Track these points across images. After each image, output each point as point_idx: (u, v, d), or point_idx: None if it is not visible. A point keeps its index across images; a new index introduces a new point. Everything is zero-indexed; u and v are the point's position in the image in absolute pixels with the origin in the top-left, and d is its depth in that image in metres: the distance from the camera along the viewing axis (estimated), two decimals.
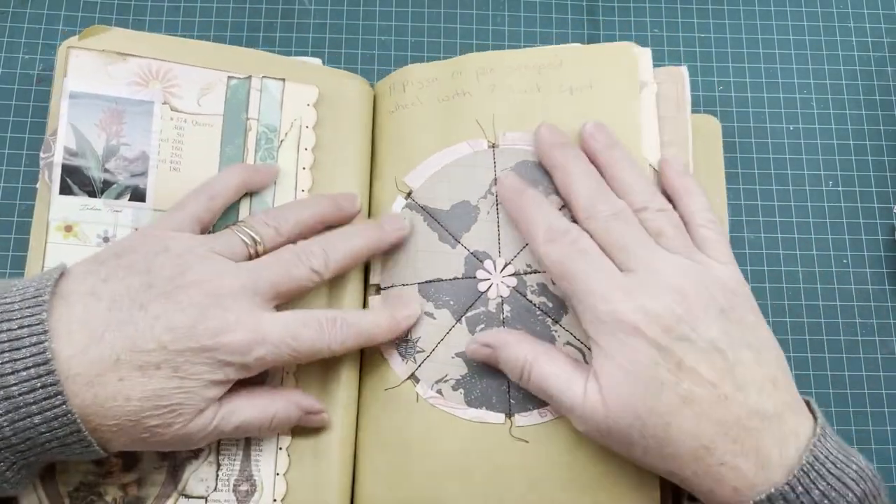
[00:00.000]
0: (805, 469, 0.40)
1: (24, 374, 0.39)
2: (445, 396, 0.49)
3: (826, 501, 0.39)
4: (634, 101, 0.51)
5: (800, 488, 0.40)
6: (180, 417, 0.43)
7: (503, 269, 0.50)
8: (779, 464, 0.40)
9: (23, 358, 0.39)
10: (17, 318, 0.40)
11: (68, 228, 0.50)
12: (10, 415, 0.39)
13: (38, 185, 0.51)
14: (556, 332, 0.48)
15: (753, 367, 0.42)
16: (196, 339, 0.42)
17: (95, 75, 0.51)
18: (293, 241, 0.49)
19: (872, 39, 0.66)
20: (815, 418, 0.43)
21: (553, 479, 0.47)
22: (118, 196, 0.50)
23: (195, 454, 0.48)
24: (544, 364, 0.45)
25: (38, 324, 0.40)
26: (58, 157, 0.50)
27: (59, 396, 0.40)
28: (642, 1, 0.66)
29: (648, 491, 0.47)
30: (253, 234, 0.48)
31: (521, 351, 0.46)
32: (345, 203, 0.52)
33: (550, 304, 0.49)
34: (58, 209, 0.50)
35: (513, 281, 0.50)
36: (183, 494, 0.48)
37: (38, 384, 0.39)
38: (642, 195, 0.47)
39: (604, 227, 0.46)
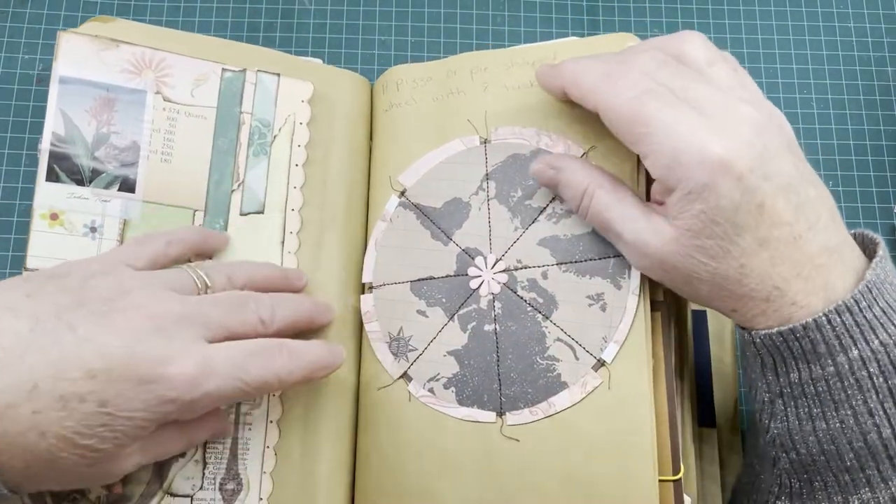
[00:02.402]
0: (868, 286, 0.41)
1: None
2: (437, 395, 0.49)
3: (885, 316, 0.41)
4: None
5: (863, 303, 0.41)
6: (98, 459, 0.38)
7: (494, 265, 0.50)
8: (842, 296, 0.41)
9: None
10: None
11: (54, 217, 0.48)
12: None
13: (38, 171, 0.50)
14: (546, 328, 0.48)
15: (817, 202, 0.42)
16: (133, 368, 0.37)
17: (87, 61, 0.50)
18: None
19: (872, 39, 0.65)
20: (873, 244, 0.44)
21: (545, 478, 0.47)
22: (107, 185, 0.49)
23: (182, 453, 0.48)
24: (607, 193, 0.45)
25: None
26: (45, 143, 0.49)
27: None
28: (642, 1, 0.66)
29: (645, 491, 0.46)
30: (204, 277, 0.45)
31: (584, 176, 0.46)
32: (293, 275, 0.50)
33: (541, 300, 0.49)
34: (43, 196, 0.48)
35: (503, 277, 0.50)
36: (168, 493, 0.48)
37: None
38: None
39: (664, 81, 0.43)
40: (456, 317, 0.50)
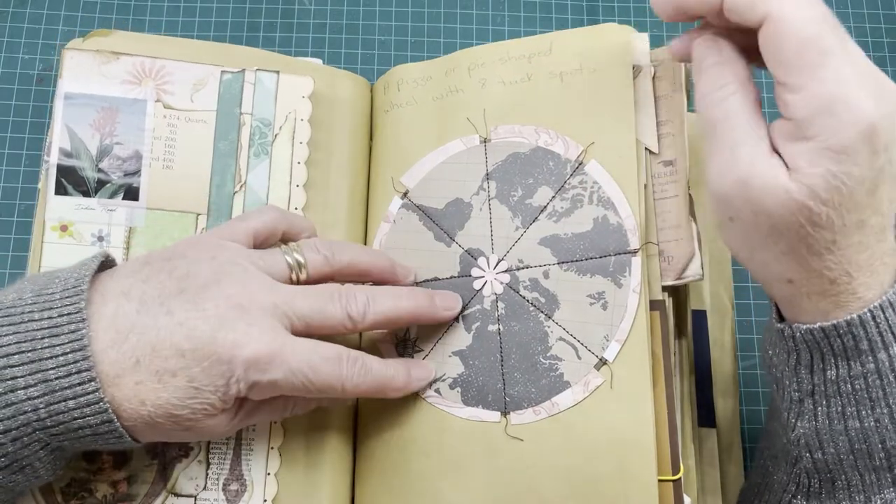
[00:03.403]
0: None
1: (62, 358, 0.40)
2: (443, 395, 0.49)
3: None
4: (627, 83, 0.51)
5: None
6: (194, 423, 0.42)
7: (496, 265, 0.50)
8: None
9: (61, 344, 0.40)
10: (56, 307, 0.41)
11: (64, 228, 0.50)
12: (46, 397, 0.40)
13: (39, 186, 0.51)
14: (548, 327, 0.48)
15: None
16: (214, 348, 0.41)
17: (90, 76, 0.51)
18: (339, 279, 0.48)
19: (872, 39, 0.65)
20: None
21: (547, 477, 0.47)
22: (112, 195, 0.51)
23: (185, 453, 0.48)
24: (742, 97, 0.41)
25: (76, 312, 0.40)
26: (53, 158, 0.50)
27: (93, 383, 0.40)
28: (642, 1, 0.66)
29: (645, 490, 0.46)
30: (299, 258, 0.47)
31: (731, 70, 0.42)
32: (401, 271, 0.50)
33: (543, 300, 0.49)
34: (53, 209, 0.50)
35: (506, 277, 0.50)
36: (172, 493, 0.48)
37: (74, 369, 0.40)
38: None
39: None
40: (460, 317, 0.50)
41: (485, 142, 0.52)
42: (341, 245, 0.49)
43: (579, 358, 0.47)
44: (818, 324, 0.41)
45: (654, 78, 0.51)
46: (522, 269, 0.50)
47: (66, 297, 0.41)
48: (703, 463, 0.54)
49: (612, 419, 0.46)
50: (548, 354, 0.48)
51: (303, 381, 0.43)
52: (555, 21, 0.66)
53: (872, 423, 0.41)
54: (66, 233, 0.50)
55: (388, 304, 0.47)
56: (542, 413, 0.48)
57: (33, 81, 0.64)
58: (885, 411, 0.40)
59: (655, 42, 0.52)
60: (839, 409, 0.42)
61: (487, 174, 0.51)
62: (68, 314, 0.40)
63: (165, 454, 0.48)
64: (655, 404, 0.46)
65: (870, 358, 0.40)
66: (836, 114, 0.38)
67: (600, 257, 0.48)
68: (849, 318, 0.40)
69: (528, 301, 0.49)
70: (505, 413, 0.48)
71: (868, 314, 0.40)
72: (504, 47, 0.54)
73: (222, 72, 0.53)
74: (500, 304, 0.49)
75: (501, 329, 0.49)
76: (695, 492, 0.48)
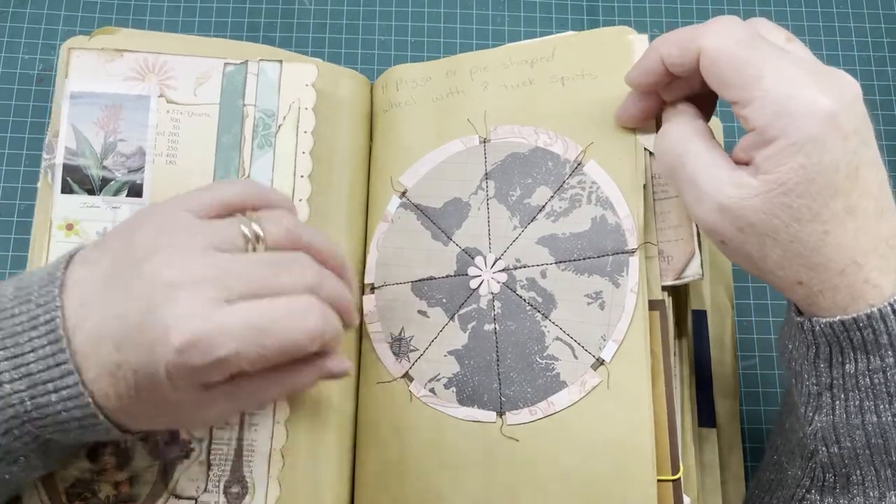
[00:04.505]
0: None
1: (41, 351, 0.39)
2: (438, 395, 0.49)
3: None
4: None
5: None
6: (171, 412, 0.41)
7: (493, 264, 0.50)
8: None
9: (39, 336, 0.39)
10: (34, 298, 0.40)
11: (69, 227, 0.50)
12: (30, 391, 0.39)
13: (38, 185, 0.51)
14: (545, 327, 0.48)
15: (889, 185, 0.42)
16: (144, 336, 0.38)
17: (95, 74, 0.51)
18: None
19: (872, 39, 0.65)
20: None
21: (544, 477, 0.47)
22: (116, 192, 0.51)
23: (186, 454, 0.48)
24: (694, 125, 0.45)
25: (51, 300, 0.39)
26: (59, 158, 0.50)
27: (73, 376, 0.39)
28: (642, 1, 0.66)
29: (644, 490, 0.46)
30: (257, 230, 0.41)
31: (681, 126, 0.45)
32: (350, 272, 0.46)
33: (540, 299, 0.49)
34: (60, 208, 0.50)
35: (503, 276, 0.50)
36: (173, 494, 0.48)
37: (53, 363, 0.39)
38: None
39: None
40: (456, 317, 0.50)
41: (484, 142, 0.52)
42: (304, 225, 0.45)
43: (576, 358, 0.47)
44: (838, 317, 0.40)
45: None
46: (520, 268, 0.49)
47: (42, 287, 0.40)
48: (703, 463, 0.54)
49: (609, 419, 0.46)
50: (544, 354, 0.48)
51: (255, 349, 0.38)
52: (555, 21, 0.66)
53: (890, 418, 0.41)
54: (72, 231, 0.50)
55: (335, 288, 0.43)
56: (538, 413, 0.47)
57: (33, 81, 0.64)
58: None
59: None
60: (857, 402, 0.41)
61: (486, 174, 0.51)
62: (45, 303, 0.40)
63: (166, 454, 0.48)
64: (655, 404, 0.46)
65: (889, 352, 0.40)
66: (789, 112, 0.39)
67: (598, 257, 0.48)
68: (869, 311, 0.40)
69: (524, 300, 0.49)
70: (501, 413, 0.48)
71: (888, 308, 0.40)
72: (507, 52, 0.54)
73: (225, 63, 0.53)
74: (497, 304, 0.49)
75: (498, 328, 0.49)
76: (695, 492, 0.48)
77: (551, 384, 0.47)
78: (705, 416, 0.55)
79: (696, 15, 0.66)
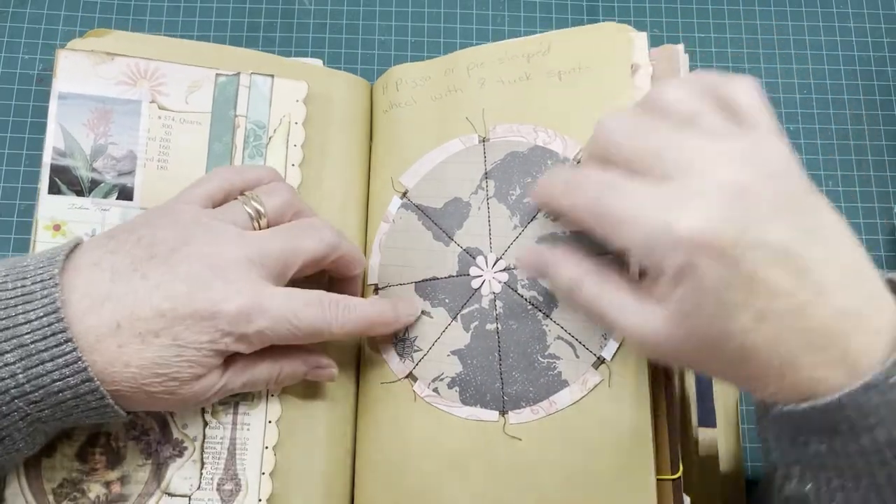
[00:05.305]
0: None
1: (36, 322, 0.40)
2: (441, 395, 0.49)
3: None
4: (626, 81, 0.51)
5: (894, 378, 0.36)
6: (180, 384, 0.43)
7: (494, 264, 0.50)
8: (869, 365, 0.37)
9: (34, 309, 0.40)
10: (30, 276, 0.41)
11: (56, 227, 0.50)
12: (23, 362, 0.40)
13: (38, 186, 0.51)
14: (546, 326, 0.48)
15: (828, 263, 0.37)
16: (194, 306, 0.42)
17: (84, 76, 0.51)
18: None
19: (872, 39, 0.65)
20: None
21: (548, 476, 0.47)
22: (106, 195, 0.51)
23: (179, 452, 0.48)
24: (595, 283, 0.42)
25: (49, 278, 0.41)
26: (46, 158, 0.50)
27: (69, 344, 0.40)
28: (642, 1, 0.66)
29: (644, 489, 0.46)
30: (258, 206, 0.47)
31: (570, 269, 0.43)
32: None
33: (541, 298, 0.49)
34: (46, 208, 0.50)
35: (504, 276, 0.50)
36: (166, 493, 0.48)
37: (49, 332, 0.40)
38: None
39: (626, 149, 0.40)
40: (459, 316, 0.50)
41: (483, 141, 0.52)
42: (297, 194, 0.51)
43: (577, 357, 0.47)
44: (791, 407, 0.38)
45: (652, 76, 0.51)
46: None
47: (40, 267, 0.42)
48: (704, 463, 0.54)
49: (610, 418, 0.46)
50: (546, 353, 0.48)
51: (288, 327, 0.44)
52: (555, 21, 0.66)
53: (859, 499, 0.38)
54: (58, 232, 0.50)
55: (348, 243, 0.49)
56: (540, 412, 0.48)
57: (33, 81, 0.64)
58: (872, 492, 0.38)
59: (654, 41, 0.52)
60: (826, 479, 0.39)
61: (486, 173, 0.52)
62: (42, 281, 0.41)
63: (159, 454, 0.48)
64: (655, 403, 0.46)
65: (851, 440, 0.37)
66: (656, 249, 0.37)
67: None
68: (825, 401, 0.37)
69: (526, 300, 0.49)
70: (503, 412, 0.48)
71: (844, 398, 0.36)
72: (503, 47, 0.54)
73: (217, 74, 0.53)
74: (499, 303, 0.49)
75: (500, 328, 0.49)
76: (695, 491, 0.48)
77: (553, 383, 0.47)
78: (705, 416, 0.55)
79: (696, 15, 0.66)
